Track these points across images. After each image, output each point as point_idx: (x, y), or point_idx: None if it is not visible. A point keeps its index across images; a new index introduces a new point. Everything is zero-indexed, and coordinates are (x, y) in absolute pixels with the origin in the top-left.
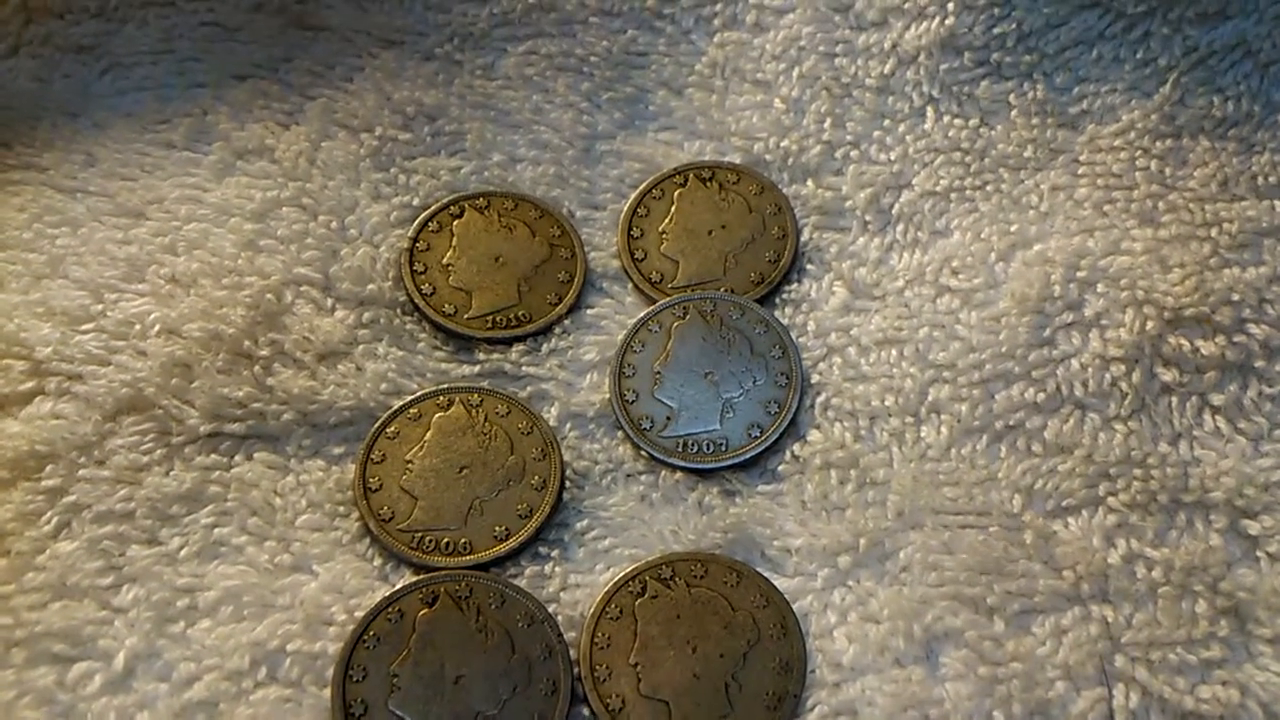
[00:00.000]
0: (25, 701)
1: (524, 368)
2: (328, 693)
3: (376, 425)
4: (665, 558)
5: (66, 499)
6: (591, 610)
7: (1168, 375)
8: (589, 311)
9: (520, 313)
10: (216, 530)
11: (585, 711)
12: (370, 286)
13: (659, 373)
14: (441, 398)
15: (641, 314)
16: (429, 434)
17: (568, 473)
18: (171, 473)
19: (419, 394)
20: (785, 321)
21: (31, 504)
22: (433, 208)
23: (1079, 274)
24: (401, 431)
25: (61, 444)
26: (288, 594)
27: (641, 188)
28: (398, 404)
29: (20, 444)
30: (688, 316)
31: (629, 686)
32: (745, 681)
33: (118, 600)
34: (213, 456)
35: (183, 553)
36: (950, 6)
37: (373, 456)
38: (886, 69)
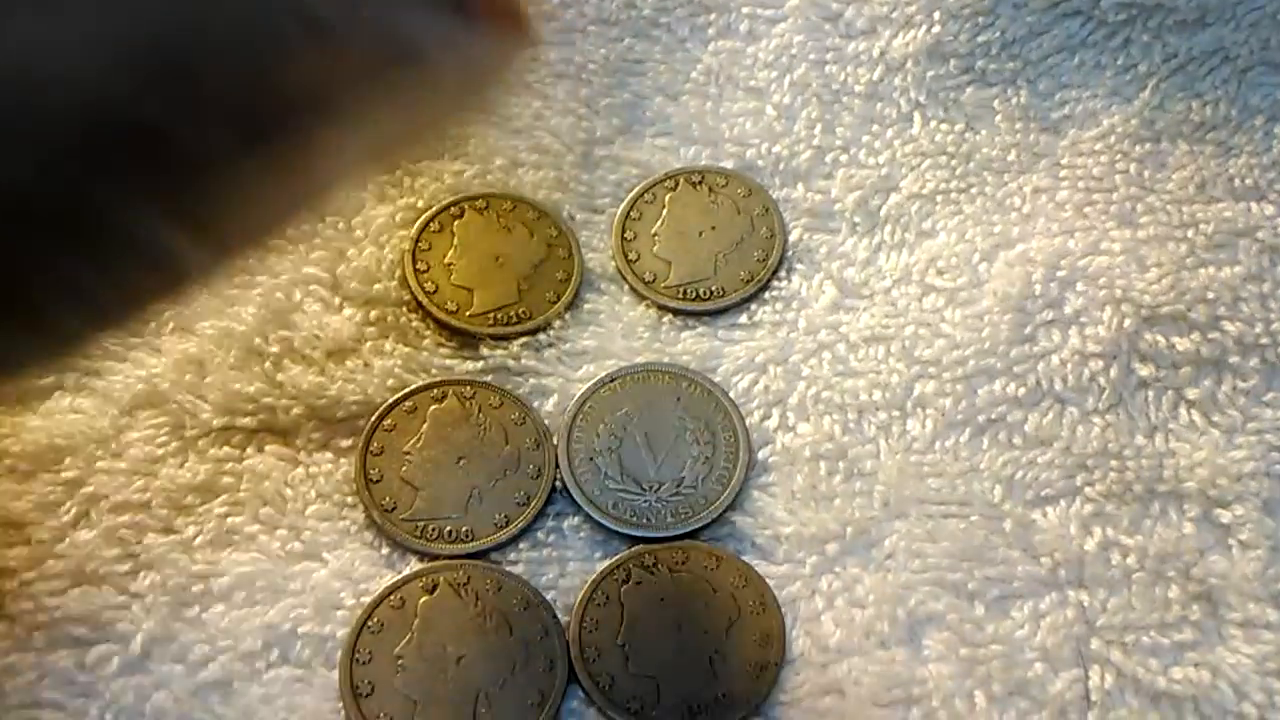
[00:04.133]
0: (46, 682)
1: (525, 362)
2: (336, 674)
3: (373, 419)
4: (648, 549)
5: (85, 490)
6: (579, 599)
7: (1144, 370)
8: (587, 309)
9: (520, 310)
10: (229, 519)
11: (580, 691)
12: (376, 285)
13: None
14: (435, 390)
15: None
16: (425, 426)
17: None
18: (186, 464)
19: (412, 388)
20: (776, 318)
21: (51, 494)
22: (434, 209)
23: (1059, 273)
24: (398, 424)
25: (80, 437)
26: (299, 580)
27: (634, 192)
28: (392, 398)
29: (40, 437)
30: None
31: (618, 665)
32: (728, 654)
33: (135, 586)
34: (225, 449)
35: (197, 541)
36: (936, 15)
37: (372, 449)
38: (875, 76)
